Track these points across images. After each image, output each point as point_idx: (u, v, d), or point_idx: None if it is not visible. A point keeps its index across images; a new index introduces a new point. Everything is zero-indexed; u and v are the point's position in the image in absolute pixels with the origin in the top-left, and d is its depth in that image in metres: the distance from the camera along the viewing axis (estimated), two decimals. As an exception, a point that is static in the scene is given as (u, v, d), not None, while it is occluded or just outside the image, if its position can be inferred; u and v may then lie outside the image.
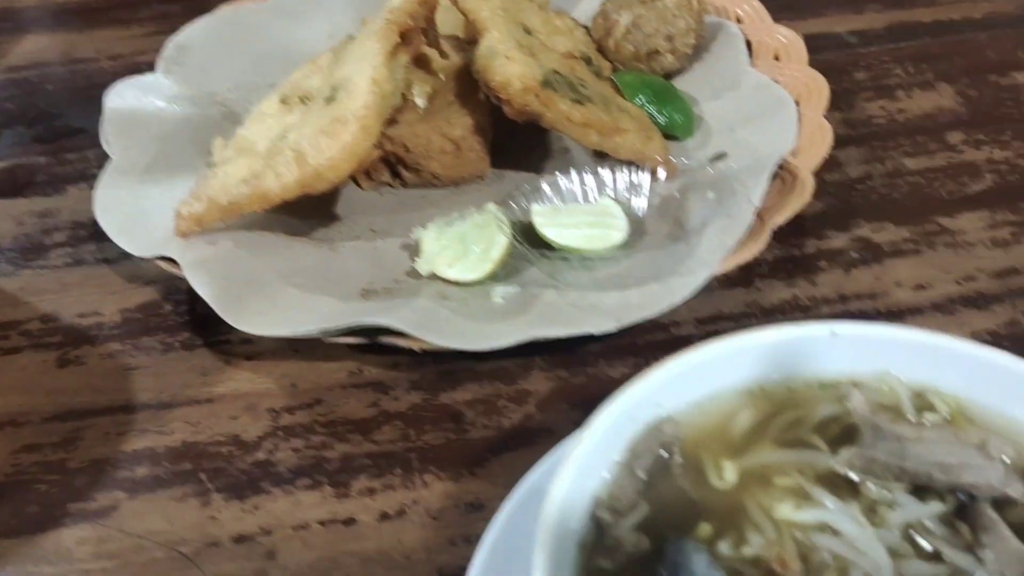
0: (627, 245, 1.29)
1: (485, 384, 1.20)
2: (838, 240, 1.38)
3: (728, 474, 0.82)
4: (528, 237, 1.30)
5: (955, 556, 0.73)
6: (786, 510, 0.77)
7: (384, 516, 1.05)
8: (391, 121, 1.34)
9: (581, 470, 0.79)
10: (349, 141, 1.16)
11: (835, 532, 0.75)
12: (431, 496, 1.07)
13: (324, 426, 1.15)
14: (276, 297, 1.19)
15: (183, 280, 1.32)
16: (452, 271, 1.24)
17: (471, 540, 0.92)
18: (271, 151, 1.21)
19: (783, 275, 1.32)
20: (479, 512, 1.04)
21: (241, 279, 1.20)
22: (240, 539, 1.03)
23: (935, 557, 0.74)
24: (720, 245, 1.22)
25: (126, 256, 1.36)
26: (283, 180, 1.18)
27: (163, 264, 1.25)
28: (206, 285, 1.17)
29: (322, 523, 1.05)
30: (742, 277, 1.30)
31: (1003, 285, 1.30)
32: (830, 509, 0.76)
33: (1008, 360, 0.84)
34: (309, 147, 1.17)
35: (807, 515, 0.76)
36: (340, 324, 1.13)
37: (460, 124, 1.38)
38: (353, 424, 1.15)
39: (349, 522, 1.05)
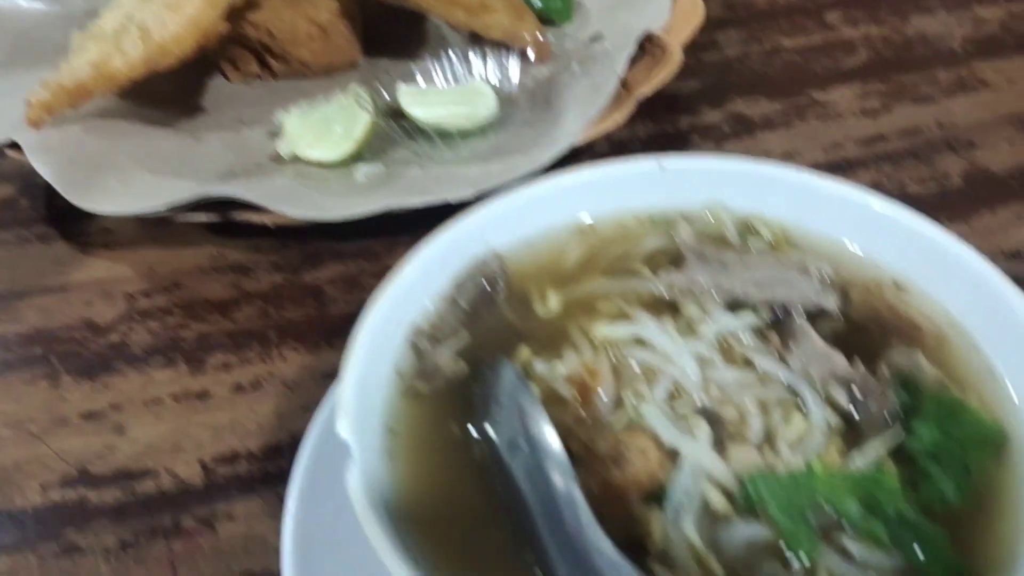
0: (495, 123, 1.27)
1: (349, 263, 1.19)
2: (712, 116, 1.38)
3: (552, 303, 0.82)
4: (397, 119, 1.28)
5: (764, 362, 0.74)
6: (602, 329, 0.77)
7: (239, 388, 1.04)
8: (254, 5, 1.30)
9: (399, 299, 0.78)
10: (192, 13, 1.13)
11: (647, 345, 0.75)
12: (288, 368, 1.06)
13: (181, 308, 1.13)
14: (127, 179, 1.16)
15: (39, 176, 1.28)
16: (314, 151, 1.21)
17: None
18: (118, 31, 1.17)
19: (656, 149, 1.31)
20: (333, 380, 1.03)
21: (89, 162, 1.17)
22: (89, 416, 1.01)
23: (747, 365, 0.75)
24: (583, 114, 1.21)
25: (-18, 155, 1.32)
26: (128, 58, 1.14)
27: (12, 153, 1.21)
28: (48, 165, 1.14)
29: (175, 398, 1.03)
30: (615, 152, 1.29)
31: (869, 151, 1.32)
32: (642, 324, 0.76)
33: (830, 185, 0.85)
34: (154, 23, 1.14)
35: (621, 330, 0.76)
36: (189, 197, 1.10)
37: (326, 8, 1.35)
38: (212, 305, 1.13)
39: (202, 395, 1.03)
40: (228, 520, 0.92)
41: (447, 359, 0.77)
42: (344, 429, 0.68)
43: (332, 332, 1.10)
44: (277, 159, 1.23)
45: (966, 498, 0.67)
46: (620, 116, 1.22)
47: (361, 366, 0.72)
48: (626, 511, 0.65)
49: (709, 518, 0.65)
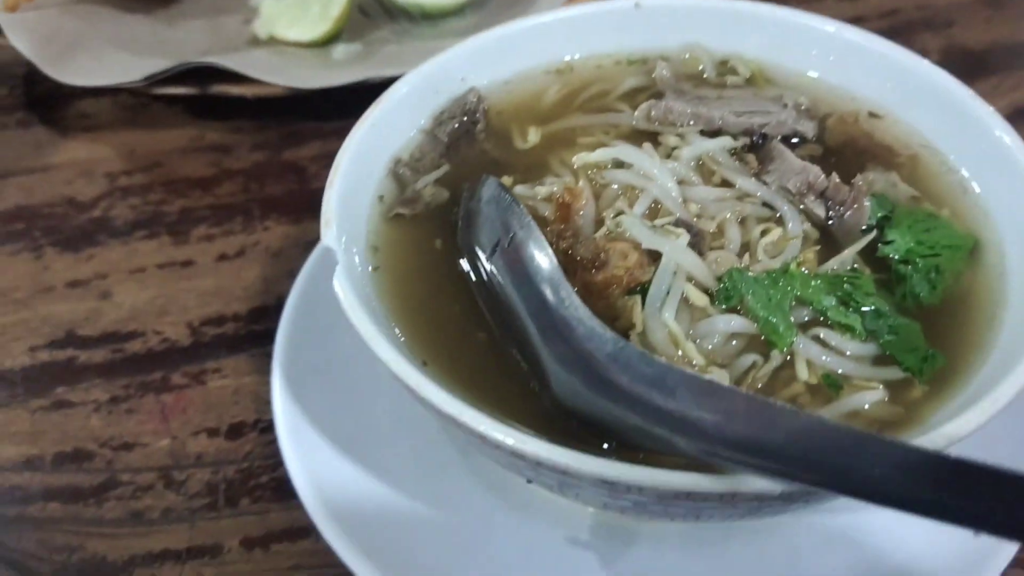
0: (474, 3, 1.27)
1: (331, 141, 1.18)
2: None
3: (532, 137, 0.82)
4: (376, 4, 1.27)
5: (742, 180, 0.75)
6: (582, 155, 0.78)
7: (223, 257, 1.04)
8: None
9: (378, 130, 0.79)
10: None
11: (626, 167, 0.76)
12: (271, 238, 1.06)
13: (163, 185, 1.13)
14: (104, 57, 1.15)
15: (17, 66, 1.27)
16: (291, 32, 1.21)
17: (309, 271, 0.92)
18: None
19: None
20: (313, 248, 1.04)
21: (67, 40, 1.16)
22: (74, 284, 1.02)
23: (724, 185, 0.76)
24: (562, -10, 1.20)
25: (-45, 47, 1.31)
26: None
27: (-11, 37, 1.20)
28: (27, 41, 1.13)
29: (159, 266, 1.03)
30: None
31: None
32: (621, 148, 0.77)
33: (806, 18, 0.86)
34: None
35: (600, 154, 0.77)
36: (166, 67, 1.09)
37: None
38: (193, 182, 1.13)
39: (187, 264, 1.04)
40: (217, 375, 0.93)
41: (428, 186, 0.78)
42: (330, 237, 0.69)
43: (314, 205, 1.07)
44: (254, 41, 1.23)
45: (939, 297, 0.69)
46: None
47: (345, 184, 0.73)
48: (607, 304, 0.67)
49: (688, 312, 0.67)
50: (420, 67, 0.82)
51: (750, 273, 0.68)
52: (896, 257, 0.71)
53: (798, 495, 0.56)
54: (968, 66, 1.29)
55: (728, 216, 0.73)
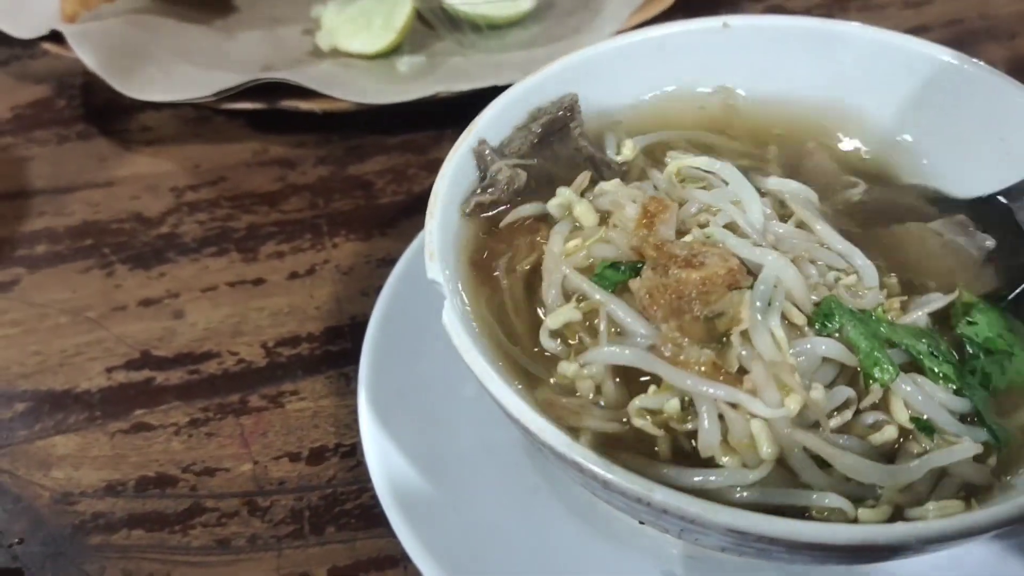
0: (536, 13, 1.25)
1: (395, 156, 1.18)
2: (751, 8, 1.36)
3: (627, 151, 0.81)
4: (438, 10, 1.25)
5: (821, 227, 0.73)
6: (678, 156, 0.77)
7: (294, 275, 1.04)
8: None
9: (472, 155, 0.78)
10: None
11: (712, 186, 0.75)
12: (341, 255, 1.05)
13: (229, 200, 1.12)
14: (169, 70, 1.14)
15: (76, 76, 1.27)
16: (355, 43, 1.19)
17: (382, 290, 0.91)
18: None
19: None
20: (391, 266, 1.02)
21: (131, 52, 1.15)
22: (147, 303, 1.01)
23: (803, 227, 0.74)
24: (628, 1, 1.19)
25: (15, 57, 1.30)
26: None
27: (50, 47, 1.19)
28: (92, 53, 1.12)
29: (231, 284, 1.03)
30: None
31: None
32: (723, 165, 0.75)
33: (901, 40, 0.84)
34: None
35: (698, 161, 0.76)
36: (238, 83, 1.08)
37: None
38: (259, 197, 1.12)
39: (258, 282, 1.03)
40: (295, 398, 0.92)
41: (506, 168, 0.76)
42: (434, 271, 0.68)
43: (383, 222, 1.09)
44: (316, 53, 1.22)
45: (1005, 382, 0.68)
46: (665, 2, 1.20)
47: (445, 215, 0.72)
48: (706, 302, 0.64)
49: (785, 328, 0.65)
50: (507, 92, 0.80)
51: (843, 303, 0.66)
52: (975, 339, 0.69)
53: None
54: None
55: (803, 255, 0.70)
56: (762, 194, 0.74)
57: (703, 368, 0.62)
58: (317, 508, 0.84)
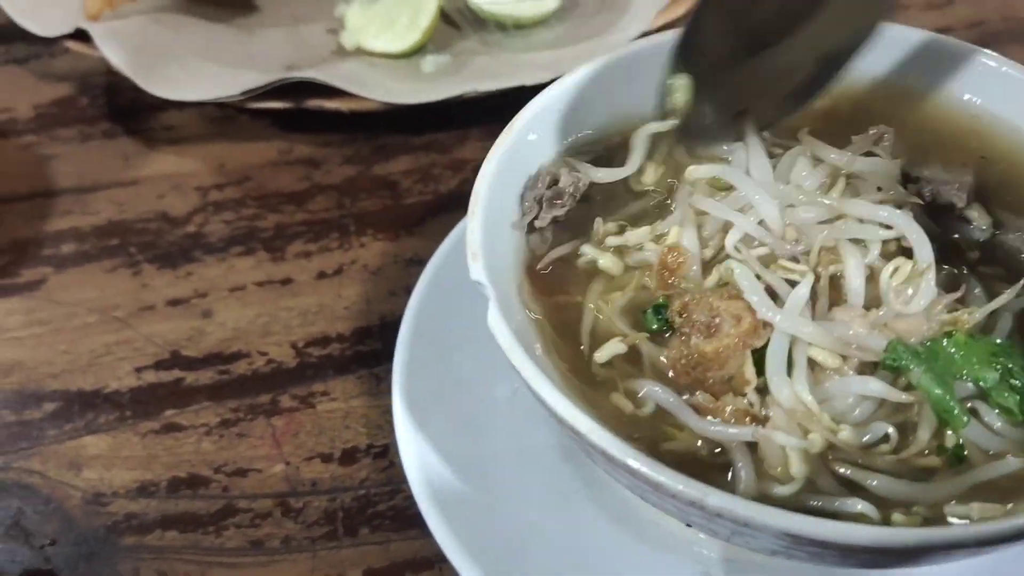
0: (561, 12, 1.25)
1: (420, 155, 1.17)
2: None
3: (648, 176, 0.81)
4: (463, 10, 1.25)
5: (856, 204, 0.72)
6: (693, 168, 0.78)
7: (322, 275, 1.03)
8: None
9: (515, 155, 0.77)
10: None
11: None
12: (369, 255, 1.05)
13: (255, 199, 1.12)
14: (194, 69, 1.13)
15: (98, 75, 1.26)
16: (379, 42, 1.19)
17: (411, 290, 0.91)
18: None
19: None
20: (419, 266, 1.02)
21: (156, 51, 1.15)
22: (175, 302, 1.01)
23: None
24: (654, 0, 1.18)
25: (35, 55, 1.30)
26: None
27: (73, 45, 1.18)
28: (118, 52, 1.11)
29: (259, 284, 1.02)
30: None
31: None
32: (727, 168, 0.76)
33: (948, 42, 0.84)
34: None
35: (704, 170, 0.77)
36: (265, 82, 1.08)
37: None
38: (285, 196, 1.12)
39: (286, 282, 1.03)
40: (326, 398, 0.92)
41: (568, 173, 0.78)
42: (477, 272, 0.67)
43: (410, 221, 1.09)
44: (340, 52, 1.21)
45: None
46: (687, 2, 1.19)
47: (487, 213, 0.71)
48: (720, 376, 0.66)
49: (816, 374, 0.65)
50: (553, 86, 0.80)
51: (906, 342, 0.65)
52: None
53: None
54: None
55: (844, 246, 0.69)
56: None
57: (733, 419, 0.64)
58: (350, 509, 0.84)
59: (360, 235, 1.07)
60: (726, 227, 0.72)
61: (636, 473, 0.58)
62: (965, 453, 0.63)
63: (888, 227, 0.69)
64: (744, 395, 0.66)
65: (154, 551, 0.81)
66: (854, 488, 0.62)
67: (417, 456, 0.79)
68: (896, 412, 0.65)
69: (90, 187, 1.13)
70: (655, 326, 0.71)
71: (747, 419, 0.64)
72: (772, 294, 0.67)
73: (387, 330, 0.95)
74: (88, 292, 1.02)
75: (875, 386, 0.64)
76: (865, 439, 0.64)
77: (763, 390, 0.66)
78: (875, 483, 0.62)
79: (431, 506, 0.76)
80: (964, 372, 0.65)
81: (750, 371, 0.66)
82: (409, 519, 0.82)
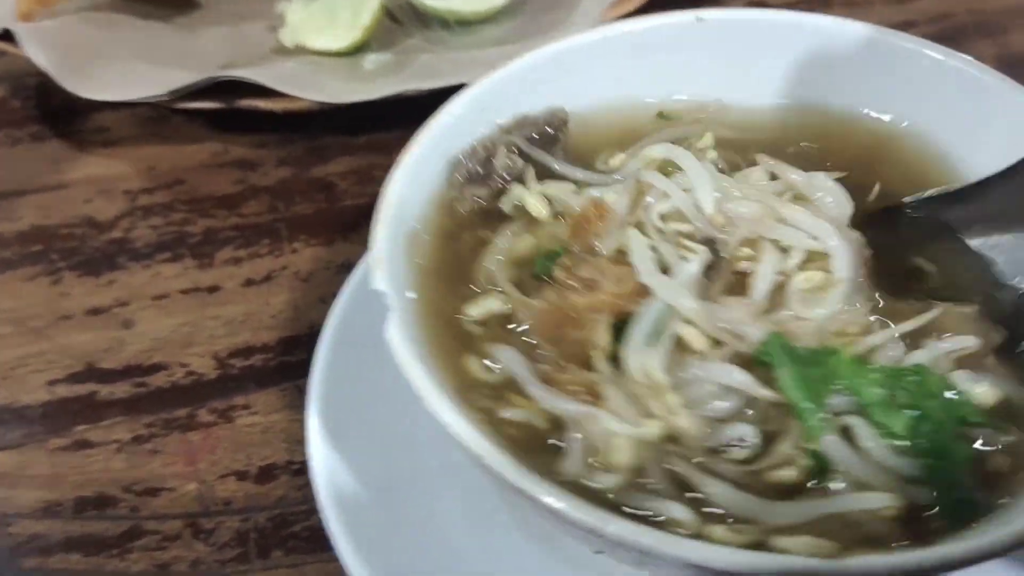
0: (509, 9, 1.20)
1: (360, 156, 1.13)
2: (733, 5, 1.31)
3: (615, 160, 0.77)
4: (407, 5, 1.21)
5: (790, 210, 0.67)
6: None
7: (250, 282, 0.99)
8: None
9: (425, 161, 0.73)
10: None
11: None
12: (301, 261, 1.01)
13: (186, 204, 1.07)
14: (125, 69, 1.09)
15: (30, 76, 1.22)
16: (319, 40, 1.15)
17: (342, 297, 0.86)
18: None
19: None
20: (352, 272, 0.98)
21: (86, 51, 1.10)
22: (94, 311, 0.96)
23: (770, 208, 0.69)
24: (601, -1, 1.14)
25: (-35, 58, 1.26)
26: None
27: (4, 46, 1.14)
28: (43, 53, 1.07)
29: (184, 292, 0.98)
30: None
31: None
32: (671, 147, 0.72)
33: (881, 34, 0.80)
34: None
35: (650, 150, 0.73)
36: (193, 81, 1.03)
37: None
38: (217, 200, 1.08)
39: (213, 289, 0.98)
40: (246, 412, 0.88)
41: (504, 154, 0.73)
42: (380, 281, 0.63)
43: (345, 225, 1.05)
44: (280, 50, 1.17)
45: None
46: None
47: (397, 216, 0.67)
48: (580, 337, 0.61)
49: (679, 353, 0.60)
50: (468, 90, 0.76)
51: (791, 343, 0.59)
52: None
53: None
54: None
55: (764, 243, 0.64)
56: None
57: (576, 389, 0.59)
58: (264, 530, 0.79)
59: (293, 240, 1.03)
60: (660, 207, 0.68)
61: (536, 501, 0.53)
62: (822, 475, 0.57)
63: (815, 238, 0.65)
64: (592, 368, 0.61)
65: (56, 575, 0.77)
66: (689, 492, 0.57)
67: (329, 474, 0.75)
68: (768, 419, 0.59)
69: (15, 192, 1.09)
70: (541, 273, 0.67)
71: (587, 393, 0.58)
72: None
73: (315, 339, 0.89)
74: (5, 302, 0.97)
75: (738, 376, 0.58)
76: (720, 438, 0.58)
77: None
78: (715, 491, 0.56)
79: (341, 528, 0.72)
80: (847, 385, 0.58)
81: (602, 335, 0.60)
82: (325, 541, 0.77)
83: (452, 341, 0.66)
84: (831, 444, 0.57)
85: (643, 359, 0.59)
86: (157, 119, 1.16)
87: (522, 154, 0.74)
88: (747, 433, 0.58)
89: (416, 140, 0.72)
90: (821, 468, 0.57)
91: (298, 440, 0.85)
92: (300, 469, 0.83)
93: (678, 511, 0.56)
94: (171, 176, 1.10)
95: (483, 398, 0.63)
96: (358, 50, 1.15)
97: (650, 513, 0.56)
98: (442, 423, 0.58)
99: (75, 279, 0.99)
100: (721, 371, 0.59)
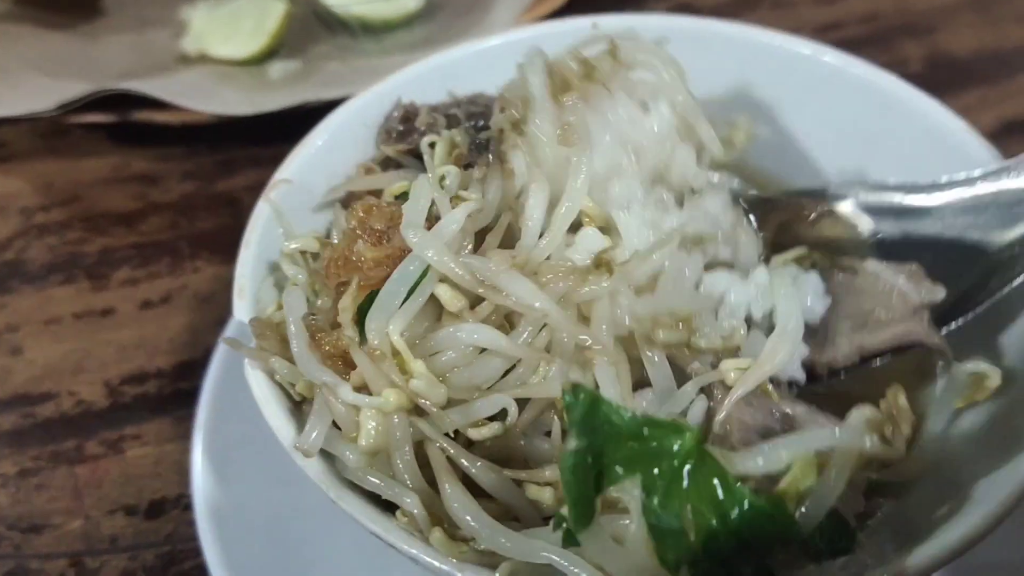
0: (424, 15, 1.17)
1: (268, 168, 1.06)
2: (657, 7, 1.29)
3: None
4: (316, 11, 1.17)
5: None
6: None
7: (147, 304, 0.95)
8: None
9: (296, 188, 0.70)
10: None
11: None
12: (201, 280, 0.97)
13: (83, 221, 1.03)
14: (17, 82, 1.05)
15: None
16: (224, 48, 1.11)
17: (242, 319, 0.83)
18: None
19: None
20: (252, 292, 0.95)
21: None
22: (-19, 338, 0.92)
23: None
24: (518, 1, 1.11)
25: None
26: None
27: None
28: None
29: (76, 316, 0.94)
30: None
31: (825, 39, 1.22)
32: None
33: (783, 41, 0.78)
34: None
35: None
36: (81, 93, 0.99)
37: None
38: (116, 217, 1.03)
39: (107, 313, 0.94)
40: (137, 443, 0.84)
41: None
42: (242, 311, 0.60)
43: None
44: (183, 59, 1.13)
45: None
46: (554, 2, 1.12)
47: (264, 242, 0.64)
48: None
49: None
50: (338, 110, 0.73)
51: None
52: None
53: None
54: (952, 76, 1.21)
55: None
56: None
57: (330, 348, 0.54)
58: (152, 568, 0.76)
59: (194, 258, 0.99)
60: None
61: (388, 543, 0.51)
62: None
63: None
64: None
65: (-71, 623, 0.73)
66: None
67: (214, 510, 0.72)
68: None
69: (-98, 212, 1.04)
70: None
71: (340, 358, 0.54)
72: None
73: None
74: None
75: (487, 335, 0.53)
76: (476, 410, 0.53)
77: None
78: (475, 469, 0.52)
79: (223, 571, 0.68)
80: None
81: (351, 294, 0.55)
82: (216, 578, 0.74)
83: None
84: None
85: (381, 323, 0.53)
86: (55, 133, 1.12)
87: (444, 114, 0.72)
88: (506, 403, 0.53)
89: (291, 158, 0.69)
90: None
91: (190, 472, 0.81)
92: (191, 503, 0.79)
93: (408, 498, 0.52)
94: (68, 192, 1.06)
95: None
96: (264, 58, 1.11)
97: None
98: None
99: (-38, 304, 0.95)
100: (470, 331, 0.53)
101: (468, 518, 0.50)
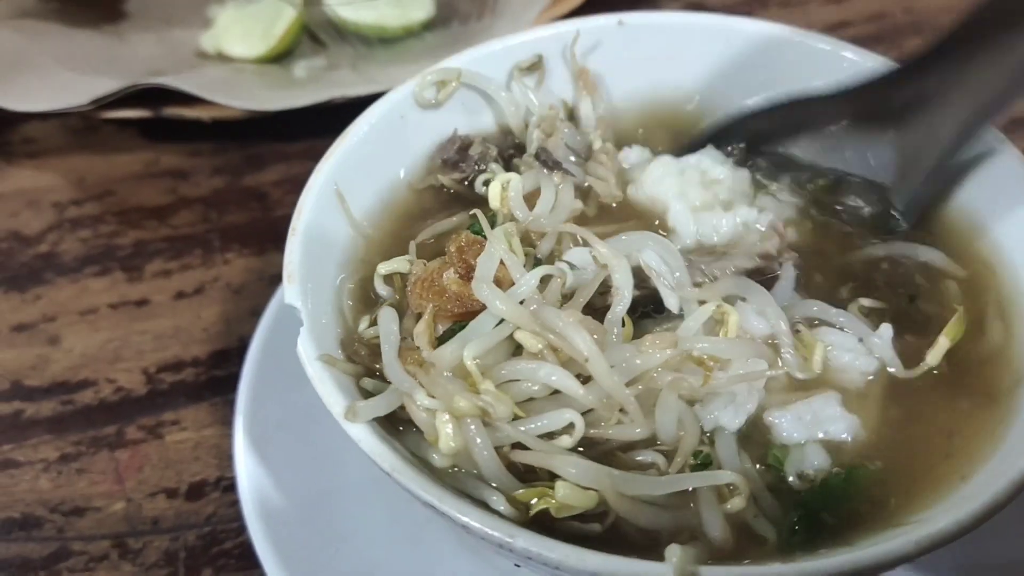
0: (434, 23, 1.20)
1: (295, 164, 1.12)
2: (670, 7, 1.32)
3: None
4: (330, 21, 1.20)
5: None
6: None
7: (180, 295, 0.97)
8: None
9: (345, 167, 0.73)
10: None
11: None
12: (232, 272, 0.99)
13: (115, 215, 1.05)
14: (49, 78, 1.07)
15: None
16: (237, 47, 1.14)
17: (274, 309, 0.85)
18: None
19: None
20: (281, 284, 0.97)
21: (9, 59, 1.08)
22: (20, 328, 0.95)
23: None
24: (526, 9, 1.14)
25: None
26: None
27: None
28: (-40, 64, 1.05)
29: (112, 306, 0.97)
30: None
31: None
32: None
33: (804, 38, 0.80)
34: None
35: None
36: (115, 88, 1.01)
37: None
38: (148, 211, 1.06)
39: (142, 303, 0.97)
40: (176, 428, 0.86)
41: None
42: (292, 295, 0.63)
43: (278, 235, 1.00)
44: (204, 56, 1.16)
45: None
46: (571, 3, 1.15)
47: (312, 229, 0.67)
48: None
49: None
50: (383, 99, 0.76)
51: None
52: None
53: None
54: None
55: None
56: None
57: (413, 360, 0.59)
58: (194, 549, 0.78)
59: (225, 251, 1.01)
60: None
61: (447, 515, 0.53)
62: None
63: None
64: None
65: (-21, 600, 0.76)
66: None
67: (256, 490, 0.74)
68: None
69: (-62, 208, 1.07)
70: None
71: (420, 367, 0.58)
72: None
73: (245, 352, 0.89)
74: (-74, 321, 0.95)
75: (564, 379, 0.56)
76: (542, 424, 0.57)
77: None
78: (572, 470, 0.55)
79: (267, 544, 0.71)
80: None
81: (425, 321, 0.59)
82: (256, 557, 0.77)
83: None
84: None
85: (457, 348, 0.58)
86: (87, 129, 1.14)
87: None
88: (568, 420, 0.57)
89: (328, 156, 0.72)
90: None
91: (229, 455, 0.83)
92: (231, 485, 0.82)
93: (494, 497, 0.56)
94: (101, 187, 1.08)
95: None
96: (278, 58, 1.14)
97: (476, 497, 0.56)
98: (352, 438, 0.57)
99: (0, 295, 0.97)
100: (548, 372, 0.57)
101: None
